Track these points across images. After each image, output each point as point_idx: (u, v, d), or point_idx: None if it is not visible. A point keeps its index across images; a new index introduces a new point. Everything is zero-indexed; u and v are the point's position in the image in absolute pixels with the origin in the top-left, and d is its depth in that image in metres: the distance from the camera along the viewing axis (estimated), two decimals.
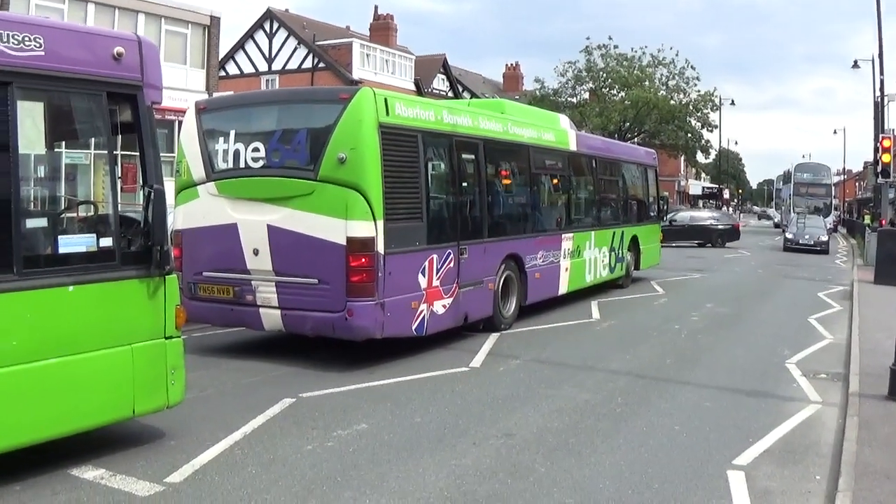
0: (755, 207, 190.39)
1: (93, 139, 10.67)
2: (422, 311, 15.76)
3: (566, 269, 22.83)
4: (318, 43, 69.51)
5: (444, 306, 16.45)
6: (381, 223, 14.44)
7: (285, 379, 13.66)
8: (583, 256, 24.10)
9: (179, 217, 15.92)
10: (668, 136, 77.27)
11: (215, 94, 42.30)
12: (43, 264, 8.79)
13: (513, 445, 10.44)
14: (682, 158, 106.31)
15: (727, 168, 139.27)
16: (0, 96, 8.25)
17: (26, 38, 8.38)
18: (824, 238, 53.55)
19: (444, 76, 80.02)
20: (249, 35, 72.56)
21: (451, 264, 16.67)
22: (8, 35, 8.21)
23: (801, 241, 53.29)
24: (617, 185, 28.55)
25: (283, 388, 12.90)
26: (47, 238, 9.12)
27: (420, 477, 9.20)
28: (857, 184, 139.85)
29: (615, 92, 76.83)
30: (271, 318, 15.11)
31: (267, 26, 71.86)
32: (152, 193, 9.34)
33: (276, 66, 70.89)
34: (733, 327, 20.77)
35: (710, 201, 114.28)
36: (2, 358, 8.17)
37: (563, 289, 22.79)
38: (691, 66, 75.65)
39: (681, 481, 9.26)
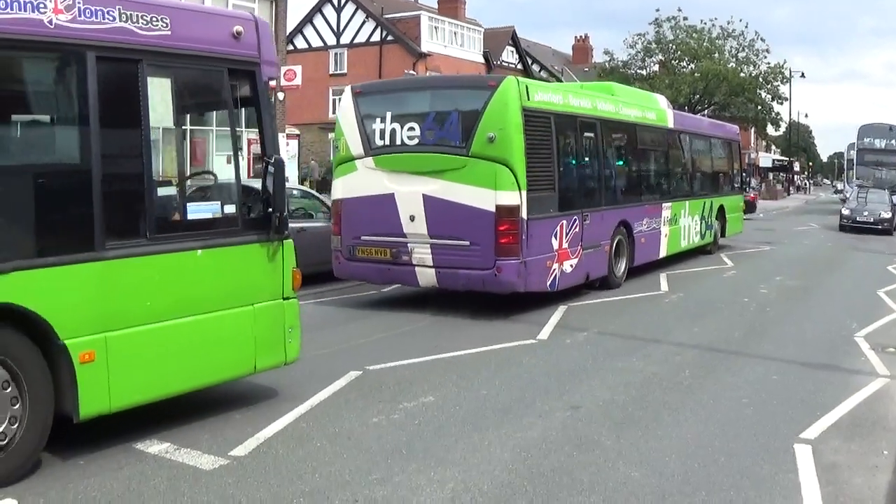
0: (825, 180, 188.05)
1: (215, 113, 11.22)
2: (554, 270, 18.07)
3: (665, 235, 25.16)
4: (387, 16, 69.50)
5: (571, 266, 18.75)
6: (524, 193, 16.64)
7: (352, 351, 13.72)
8: (679, 224, 26.38)
9: (338, 188, 18.23)
10: (737, 109, 76.34)
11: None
12: (173, 230, 9.43)
13: (579, 418, 10.43)
14: (753, 131, 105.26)
15: (797, 141, 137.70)
16: (131, 73, 8.85)
17: (154, 19, 8.99)
18: (887, 215, 45.60)
19: (513, 48, 79.70)
20: (318, 9, 72.66)
21: (577, 229, 18.99)
22: (137, 16, 8.82)
23: (859, 219, 45.37)
24: (707, 159, 30.91)
25: (350, 360, 12.94)
26: (176, 205, 9.78)
27: (486, 450, 9.20)
28: None
29: (685, 64, 75.87)
30: (426, 276, 17.39)
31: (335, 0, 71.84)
32: (272, 164, 10.03)
33: (345, 39, 71.03)
34: (802, 300, 20.62)
35: (781, 174, 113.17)
36: (136, 317, 8.82)
37: (662, 253, 25.13)
38: (761, 39, 74.52)
39: (747, 455, 9.19)
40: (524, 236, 16.66)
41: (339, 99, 19.72)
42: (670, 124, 26.65)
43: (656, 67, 77.81)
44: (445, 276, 17.19)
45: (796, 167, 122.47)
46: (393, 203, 17.25)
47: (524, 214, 16.63)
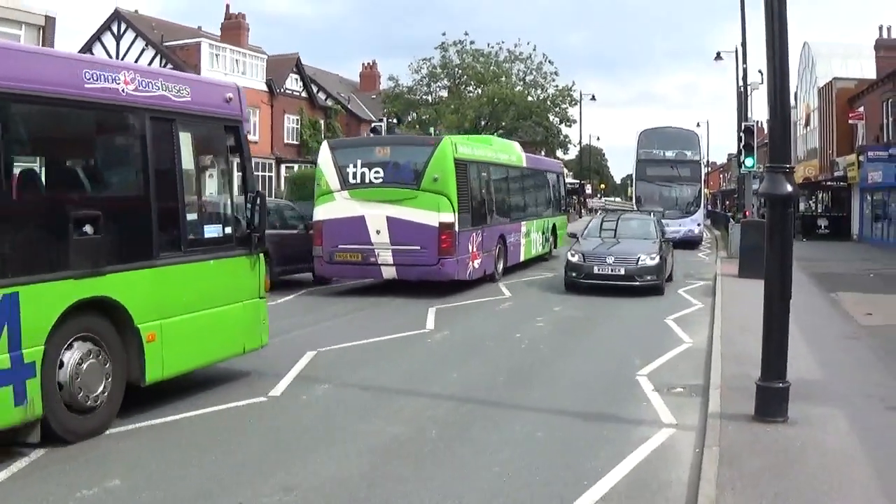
0: (617, 199, 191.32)
1: (215, 158, 14.08)
2: (470, 266, 26.33)
3: (523, 245, 34.05)
4: (167, 44, 67.18)
5: (478, 263, 27.08)
6: (456, 214, 24.93)
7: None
8: (531, 237, 35.31)
9: (320, 213, 25.72)
10: (525, 133, 76.08)
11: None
12: (197, 245, 12.60)
13: None
14: (543, 154, 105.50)
15: (589, 163, 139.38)
16: (170, 129, 12.04)
17: (181, 88, 12.26)
18: (651, 261, 25.96)
19: (297, 76, 77.80)
20: (97, 37, 69.42)
21: (480, 239, 27.30)
22: (171, 86, 12.08)
23: (598, 271, 25.93)
24: (545, 188, 41.01)
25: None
26: (198, 227, 12.99)
27: None
28: (720, 175, 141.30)
29: (471, 89, 75.42)
30: (389, 271, 25.23)
31: (115, 27, 69.00)
32: (258, 197, 13.55)
33: None
34: (581, 333, 19.31)
35: (573, 197, 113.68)
36: (177, 309, 11.93)
37: (522, 257, 33.97)
38: (549, 61, 74.95)
39: None
40: (456, 242, 24.90)
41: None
42: (524, 164, 37.04)
43: (444, 93, 76.94)
44: (403, 271, 25.07)
45: (588, 189, 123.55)
46: (363, 222, 25.00)
47: (457, 228, 24.90)
